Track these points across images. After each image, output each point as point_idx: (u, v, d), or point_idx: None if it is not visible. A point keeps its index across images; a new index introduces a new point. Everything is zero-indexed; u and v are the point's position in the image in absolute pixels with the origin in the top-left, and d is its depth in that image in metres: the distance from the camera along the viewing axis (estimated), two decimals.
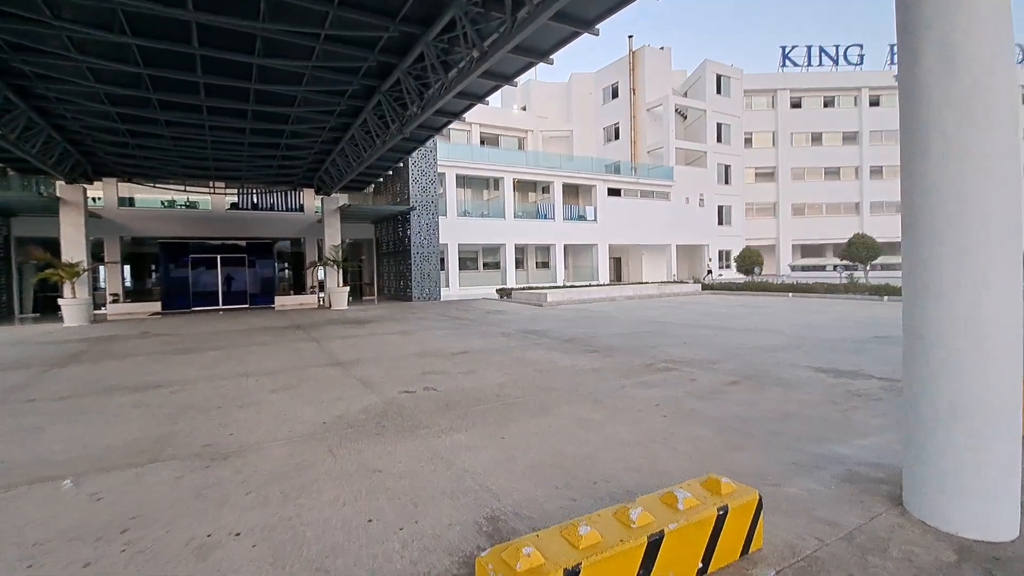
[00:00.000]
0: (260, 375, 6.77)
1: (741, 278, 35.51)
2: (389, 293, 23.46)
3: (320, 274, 21.48)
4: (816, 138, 48.99)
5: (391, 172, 19.41)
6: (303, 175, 19.10)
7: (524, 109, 41.42)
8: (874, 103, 48.57)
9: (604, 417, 4.45)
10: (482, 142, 34.06)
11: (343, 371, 6.88)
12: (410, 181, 20.39)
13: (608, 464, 3.37)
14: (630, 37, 39.80)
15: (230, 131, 13.08)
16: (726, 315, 13.30)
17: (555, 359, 7.35)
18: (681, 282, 27.27)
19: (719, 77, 40.61)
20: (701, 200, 37.42)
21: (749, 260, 23.33)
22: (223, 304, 20.62)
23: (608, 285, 26.06)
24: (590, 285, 26.13)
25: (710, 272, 36.03)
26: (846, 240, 48.03)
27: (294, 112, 11.62)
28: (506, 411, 4.71)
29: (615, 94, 40.93)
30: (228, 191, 21.35)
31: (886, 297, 17.14)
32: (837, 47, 47.21)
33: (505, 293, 21.62)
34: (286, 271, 23.95)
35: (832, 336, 9.09)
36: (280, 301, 20.56)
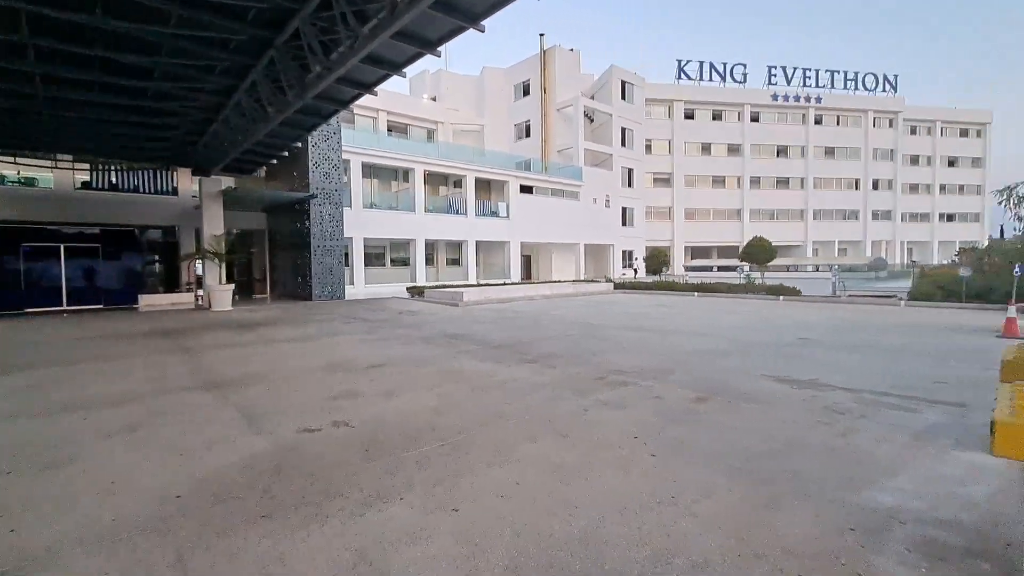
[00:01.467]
0: (95, 407, 4.91)
1: (639, 276, 37.17)
2: (284, 291, 20.81)
3: (199, 268, 18.39)
4: (706, 148, 52.81)
5: (287, 153, 17.00)
6: (176, 151, 16.03)
7: (434, 100, 39.69)
8: (754, 119, 53.41)
9: (580, 459, 3.46)
10: (389, 131, 31.89)
11: (219, 398, 5.22)
12: (311, 165, 18.09)
13: (620, 550, 2.35)
14: (541, 35, 39.79)
15: (70, 86, 10.28)
16: (648, 315, 13.10)
17: (492, 372, 6.26)
18: (594, 281, 27.51)
19: (624, 84, 41.99)
20: (607, 201, 38.39)
21: (657, 260, 24.04)
22: (69, 304, 16.82)
23: (523, 284, 25.49)
24: (505, 283, 25.39)
25: (636, 271, 37.34)
26: (730, 243, 52.75)
27: (161, 63, 9.28)
28: (450, 457, 3.54)
29: (526, 92, 40.68)
30: (78, 167, 17.50)
31: (781, 297, 18.29)
32: (725, 64, 51.21)
33: (417, 291, 20.09)
34: (156, 265, 20.26)
35: (761, 339, 9.00)
36: (146, 300, 17.22)
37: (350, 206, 23.29)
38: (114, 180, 18.24)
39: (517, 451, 3.63)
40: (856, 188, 56.35)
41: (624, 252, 41.82)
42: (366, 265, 24.80)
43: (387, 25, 6.99)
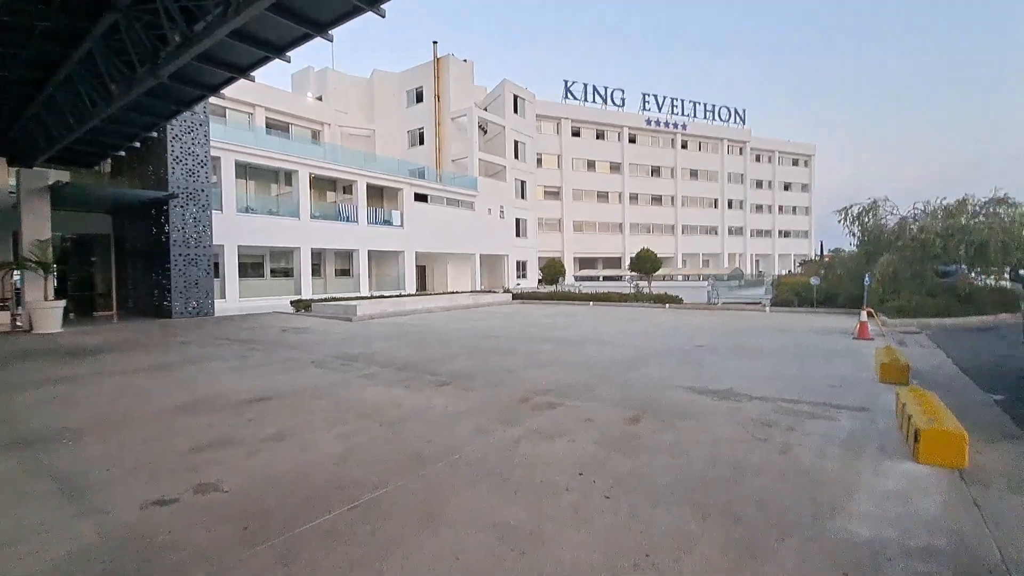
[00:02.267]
0: None
1: (536, 287, 37.94)
2: (137, 307, 17.59)
3: (17, 281, 14.82)
4: (591, 165, 55.89)
5: (139, 145, 14.33)
6: None
7: (320, 99, 37.08)
8: (632, 140, 57.83)
9: (527, 513, 2.90)
10: (268, 128, 29.00)
11: (28, 462, 3.83)
12: (170, 161, 15.50)
13: None
14: (435, 43, 39.15)
15: None
16: (554, 326, 13.03)
17: (402, 400, 5.47)
18: (491, 291, 27.29)
19: (516, 98, 42.85)
20: (502, 212, 38.69)
21: (554, 271, 24.47)
22: None
23: (419, 295, 24.45)
24: (400, 295, 24.16)
25: (541, 281, 37.94)
26: (613, 255, 56.21)
27: None
28: (366, 525, 2.77)
29: (419, 98, 39.73)
30: None
31: (667, 305, 19.54)
32: (606, 88, 54.80)
33: (302, 305, 18.17)
34: None
35: (664, 346, 9.22)
36: None
37: (221, 210, 20.60)
38: None
39: (450, 507, 2.97)
40: (715, 207, 63.41)
41: (518, 262, 42.45)
42: (241, 276, 22.07)
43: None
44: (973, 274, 15.42)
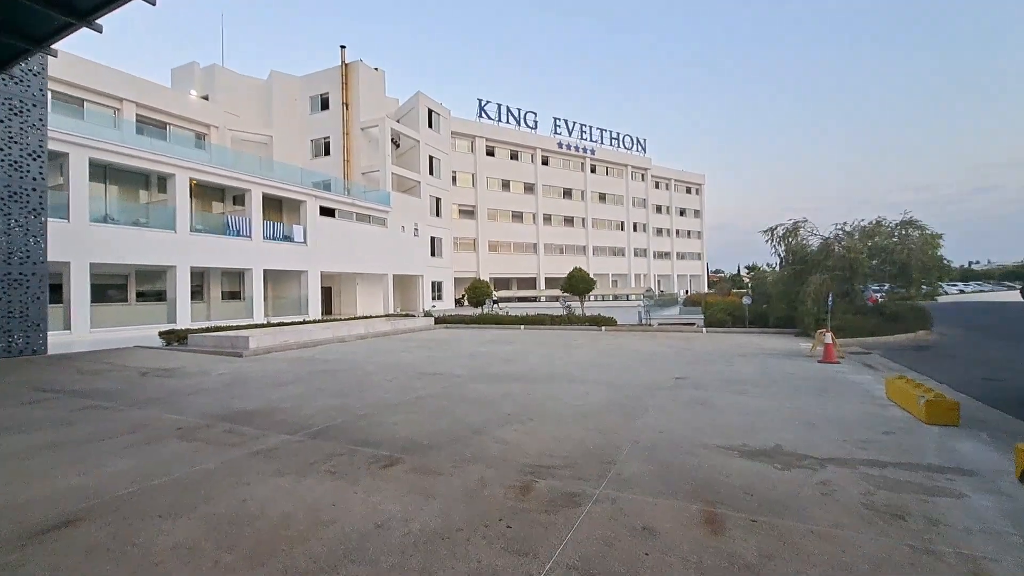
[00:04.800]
0: None
1: (452, 309, 35.91)
2: None
3: None
4: (505, 185, 55.46)
5: None
6: None
7: (206, 99, 32.58)
8: (545, 162, 58.49)
9: None
10: (141, 127, 24.46)
11: None
12: None
13: None
14: (343, 47, 36.43)
15: None
16: (496, 356, 11.26)
17: (328, 506, 3.38)
18: (409, 315, 24.86)
19: (431, 112, 41.16)
20: (416, 230, 36.45)
21: (479, 292, 22.74)
22: None
23: (327, 321, 21.44)
24: (304, 322, 21.01)
25: (496, 303, 35.73)
26: (528, 275, 55.92)
27: None
28: None
29: (325, 105, 36.59)
30: None
31: (603, 328, 18.60)
32: (520, 110, 55.02)
33: (176, 337, 14.66)
34: None
35: (640, 381, 7.86)
36: None
37: (67, 218, 16.46)
38: None
39: None
40: (622, 229, 65.95)
41: (433, 283, 40.18)
42: (96, 301, 17.76)
43: None
44: (880, 295, 16.21)
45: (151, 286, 21.33)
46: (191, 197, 21.35)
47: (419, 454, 4.42)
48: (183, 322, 19.34)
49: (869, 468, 3.85)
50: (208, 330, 15.85)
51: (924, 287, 14.28)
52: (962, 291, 58.72)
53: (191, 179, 20.94)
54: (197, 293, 22.99)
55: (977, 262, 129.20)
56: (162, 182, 21.32)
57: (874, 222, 15.25)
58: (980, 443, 4.44)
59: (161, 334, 14.99)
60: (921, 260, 13.45)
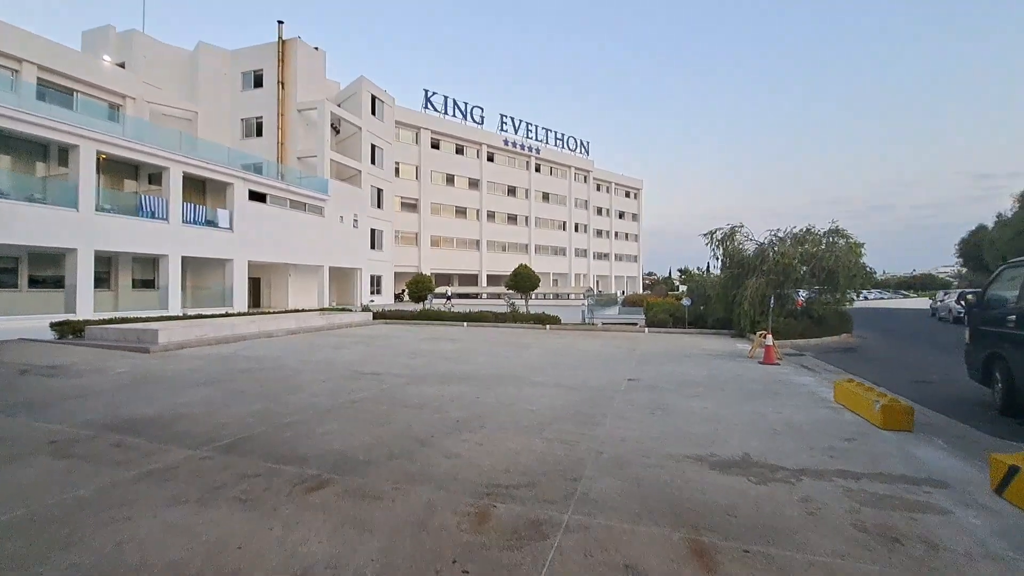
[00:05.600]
0: None
1: (392, 304, 34.65)
2: None
3: None
4: (450, 179, 54.43)
5: None
6: None
7: (122, 66, 29.34)
8: (490, 159, 57.96)
9: None
10: (42, 91, 21.46)
11: None
12: None
13: None
14: (280, 23, 34.05)
15: None
16: (441, 354, 10.63)
17: (223, 545, 2.66)
18: (346, 309, 23.51)
19: (374, 98, 39.51)
20: (355, 221, 34.84)
21: (421, 287, 21.88)
22: None
23: (253, 314, 19.82)
24: (227, 314, 19.31)
25: (449, 298, 35.24)
26: (470, 271, 55.33)
27: None
28: None
29: (259, 83, 34.09)
30: None
31: (548, 326, 18.39)
32: (466, 104, 54.16)
33: (72, 329, 12.85)
34: None
35: (597, 381, 7.55)
36: None
37: None
38: None
39: None
40: (564, 229, 66.73)
41: (372, 277, 38.64)
42: None
43: None
44: (804, 298, 17.07)
45: (52, 271, 18.77)
46: (99, 173, 18.99)
47: (354, 472, 3.79)
48: (84, 312, 17.14)
49: (844, 480, 3.67)
50: (111, 321, 14.06)
51: (849, 292, 15.12)
52: (866, 298, 64.33)
53: (99, 153, 18.61)
54: (103, 281, 20.56)
55: (876, 272, 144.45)
56: (63, 153, 18.82)
57: (804, 230, 15.99)
58: (938, 450, 4.44)
59: (53, 325, 13.11)
60: (847, 266, 14.21)
